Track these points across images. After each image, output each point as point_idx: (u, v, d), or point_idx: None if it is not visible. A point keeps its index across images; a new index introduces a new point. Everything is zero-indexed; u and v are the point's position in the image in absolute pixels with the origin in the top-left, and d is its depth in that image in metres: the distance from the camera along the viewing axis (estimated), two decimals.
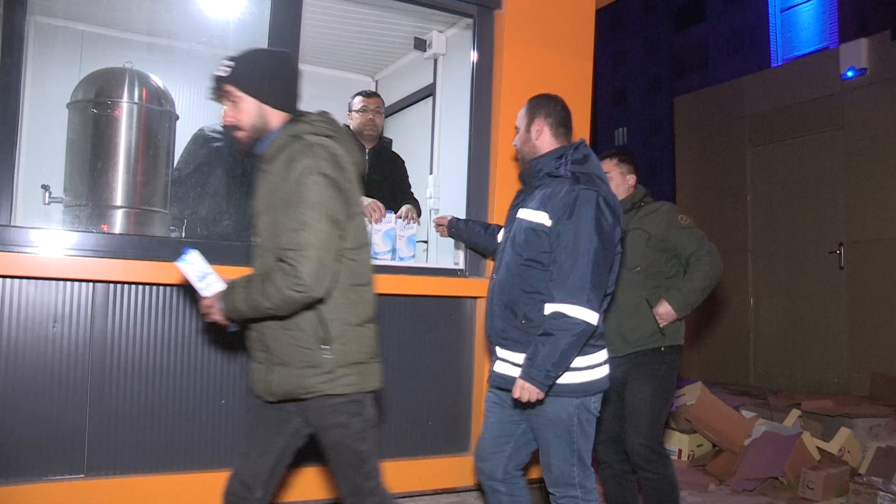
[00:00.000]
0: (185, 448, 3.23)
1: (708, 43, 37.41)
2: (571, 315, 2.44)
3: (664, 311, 3.30)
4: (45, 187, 3.51)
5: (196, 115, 4.02)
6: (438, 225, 3.67)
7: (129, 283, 3.13)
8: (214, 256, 3.21)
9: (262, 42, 3.46)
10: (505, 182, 3.89)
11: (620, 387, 3.34)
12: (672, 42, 40.78)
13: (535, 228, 2.61)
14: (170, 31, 4.46)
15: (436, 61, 4.61)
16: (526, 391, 2.45)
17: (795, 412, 5.48)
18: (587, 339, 2.52)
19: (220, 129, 3.89)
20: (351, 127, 4.22)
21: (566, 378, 2.53)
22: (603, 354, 2.66)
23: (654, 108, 41.42)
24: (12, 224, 3.00)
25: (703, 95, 9.90)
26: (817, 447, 5.00)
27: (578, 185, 2.55)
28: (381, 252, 3.73)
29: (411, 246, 3.88)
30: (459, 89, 4.24)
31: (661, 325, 3.32)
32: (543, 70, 4.02)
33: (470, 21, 4.07)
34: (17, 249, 2.91)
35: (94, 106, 3.50)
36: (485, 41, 4.00)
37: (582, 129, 4.14)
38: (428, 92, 4.74)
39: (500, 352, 2.70)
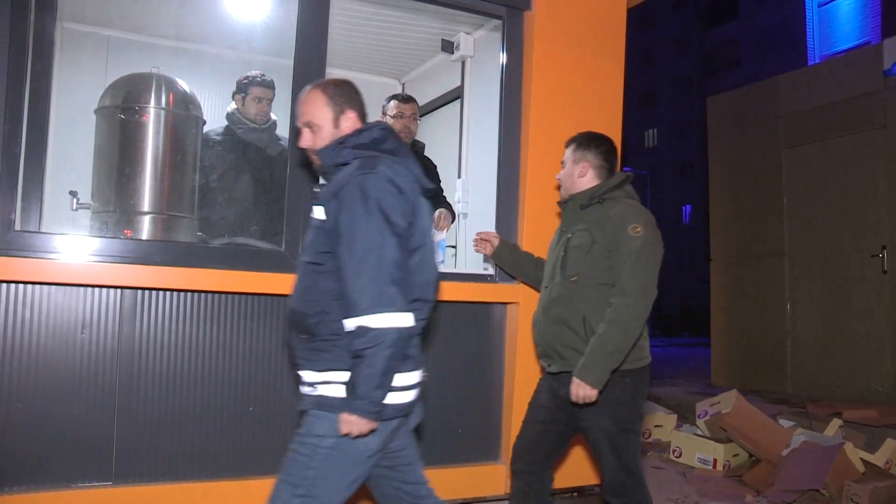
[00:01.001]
0: (213, 456, 3.26)
1: (741, 40, 37.03)
2: (377, 326, 2.09)
3: (581, 394, 2.78)
4: (73, 193, 3.56)
5: (223, 119, 4.06)
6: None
7: (157, 290, 3.18)
8: (237, 262, 3.27)
9: (290, 46, 3.49)
10: (535, 186, 3.88)
11: (552, 400, 3.06)
12: (703, 40, 40.45)
13: (315, 225, 2.32)
14: (196, 36, 4.52)
15: (463, 63, 4.63)
16: (355, 426, 2.12)
17: (836, 422, 5.39)
18: (408, 344, 2.21)
19: (222, 130, 3.94)
20: None
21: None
22: (416, 376, 2.32)
23: (684, 108, 41.12)
24: (41, 230, 3.05)
25: (737, 95, 9.79)
26: (861, 459, 4.90)
27: (357, 172, 2.23)
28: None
29: (440, 251, 3.88)
30: (488, 92, 4.25)
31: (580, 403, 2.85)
32: (574, 72, 4.01)
33: (498, 22, 4.07)
34: (45, 256, 2.96)
35: (121, 112, 3.55)
36: (514, 43, 3.99)
37: (613, 132, 4.12)
38: (456, 95, 4.75)
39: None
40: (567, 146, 3.15)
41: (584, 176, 3.06)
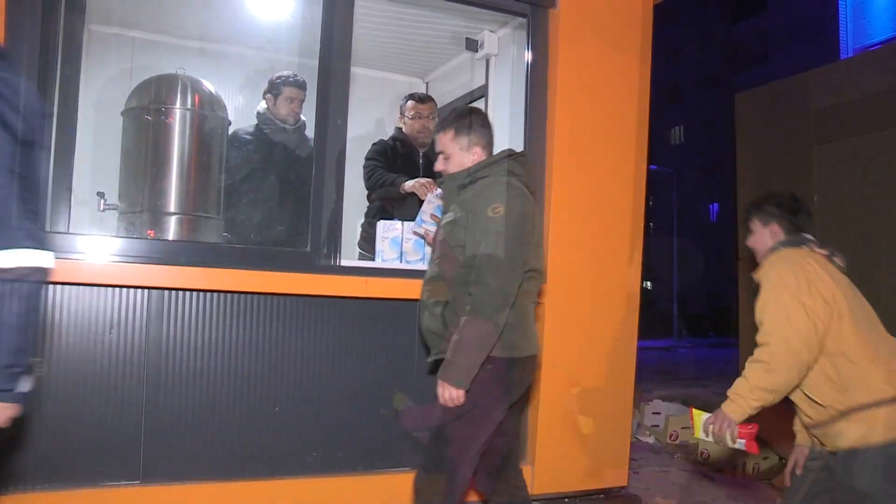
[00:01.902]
0: (239, 455, 3.33)
1: (769, 34, 36.66)
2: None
3: (447, 396, 2.52)
4: (101, 194, 3.65)
5: (248, 119, 4.13)
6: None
7: (185, 290, 3.25)
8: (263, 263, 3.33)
9: (314, 46, 3.55)
10: (562, 184, 3.91)
11: None
12: (730, 34, 40.10)
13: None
14: (221, 37, 4.60)
15: (488, 62, 4.66)
16: None
17: None
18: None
19: (252, 129, 4.00)
20: (404, 131, 4.32)
21: None
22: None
23: (711, 104, 40.78)
24: (70, 231, 3.13)
25: (765, 91, 9.73)
26: None
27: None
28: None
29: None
30: (513, 90, 4.28)
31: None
32: (600, 69, 4.04)
33: (523, 20, 4.10)
34: (74, 257, 3.04)
35: (147, 113, 3.63)
36: (539, 41, 4.02)
37: (641, 129, 4.15)
38: (480, 93, 4.78)
39: None
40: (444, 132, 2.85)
41: (474, 155, 2.81)
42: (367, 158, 4.26)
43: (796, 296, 2.64)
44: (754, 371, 2.64)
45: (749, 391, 2.63)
